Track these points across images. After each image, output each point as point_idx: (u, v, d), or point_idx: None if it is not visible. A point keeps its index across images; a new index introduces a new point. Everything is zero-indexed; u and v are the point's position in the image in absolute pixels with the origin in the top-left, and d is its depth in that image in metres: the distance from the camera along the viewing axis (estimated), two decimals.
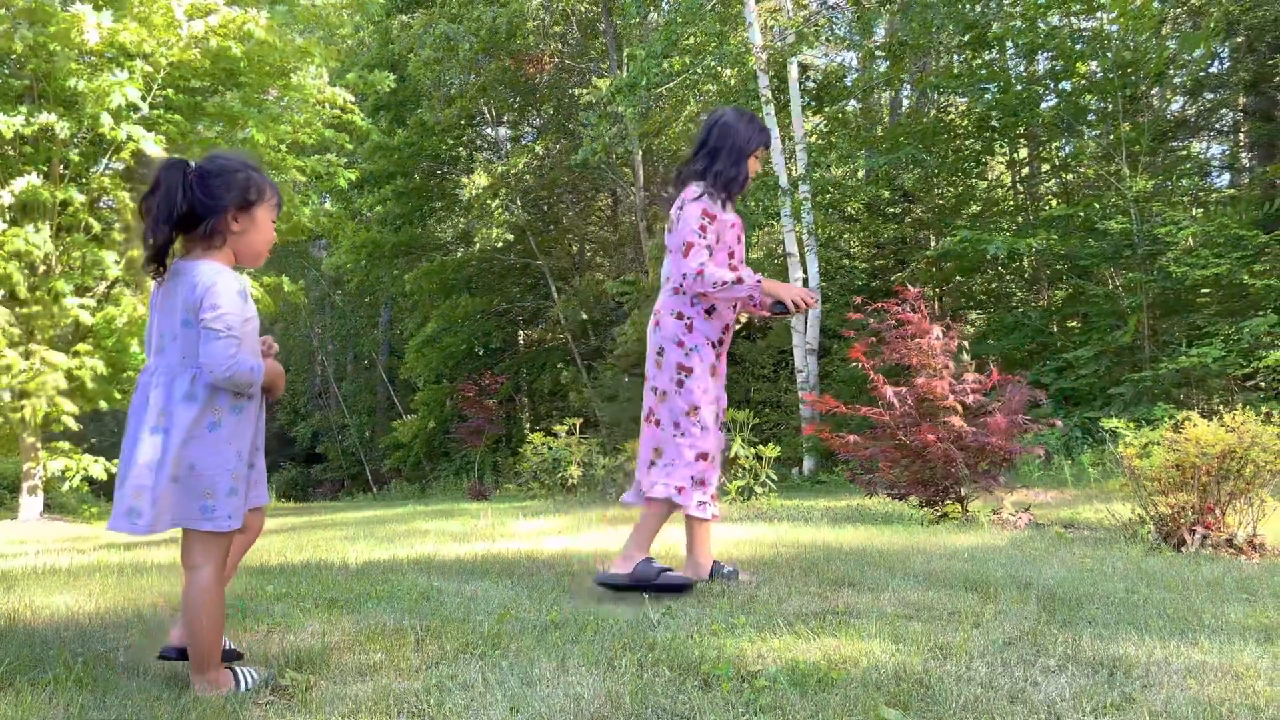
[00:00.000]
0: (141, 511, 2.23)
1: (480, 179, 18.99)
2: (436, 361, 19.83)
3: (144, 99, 9.92)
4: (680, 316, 3.62)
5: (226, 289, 2.25)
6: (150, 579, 4.30)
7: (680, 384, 3.60)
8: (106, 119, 9.29)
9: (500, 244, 19.25)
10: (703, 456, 3.60)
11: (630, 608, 3.25)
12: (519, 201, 19.08)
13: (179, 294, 2.28)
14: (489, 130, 21.24)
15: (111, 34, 9.39)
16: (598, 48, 18.94)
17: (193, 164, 2.32)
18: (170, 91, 10.50)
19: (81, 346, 10.29)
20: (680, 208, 3.59)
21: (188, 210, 2.28)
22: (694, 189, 3.60)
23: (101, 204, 11.07)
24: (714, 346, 3.69)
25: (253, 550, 5.60)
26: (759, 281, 3.49)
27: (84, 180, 10.54)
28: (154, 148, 9.32)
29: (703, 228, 3.52)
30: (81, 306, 10.02)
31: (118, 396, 11.01)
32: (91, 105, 9.18)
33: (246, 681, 2.40)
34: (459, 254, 20.14)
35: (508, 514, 7.86)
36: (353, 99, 11.97)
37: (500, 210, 18.75)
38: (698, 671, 2.41)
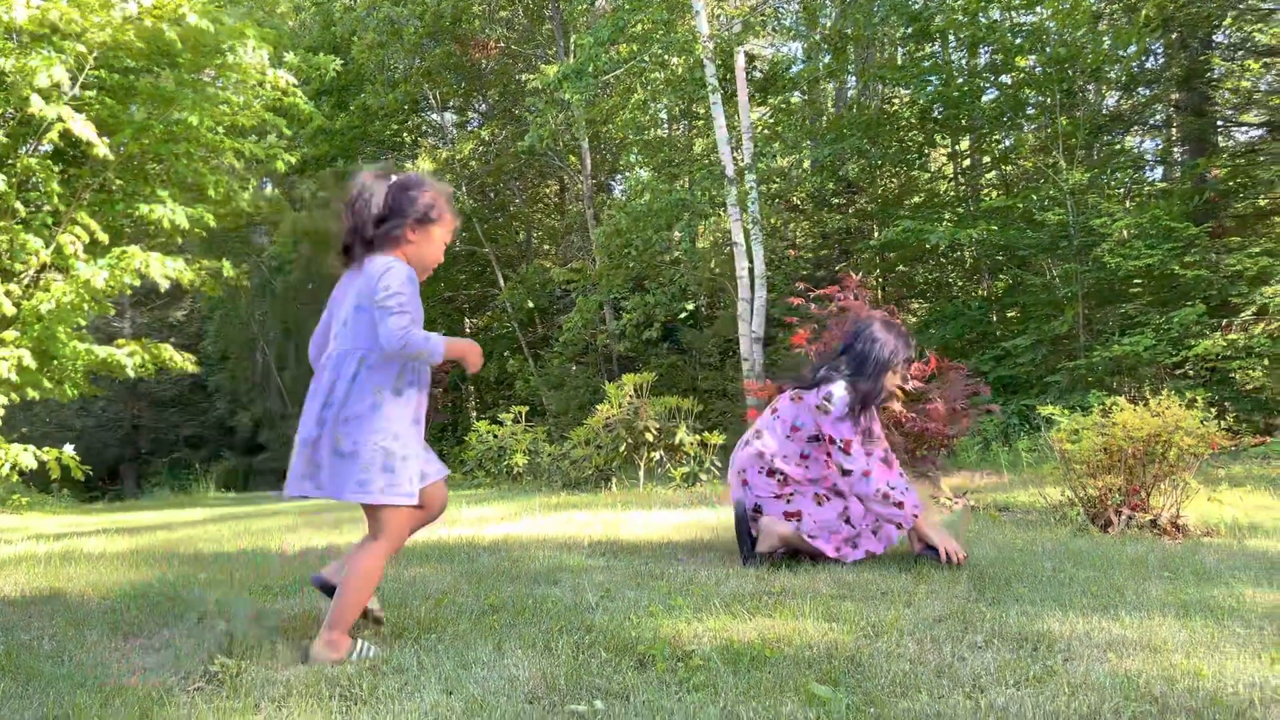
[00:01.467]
0: (320, 480, 2.45)
1: (425, 164, 18.76)
2: None
3: (75, 79, 9.62)
4: (772, 474, 3.74)
5: (399, 274, 2.49)
6: (78, 568, 4.21)
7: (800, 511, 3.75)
8: (37, 100, 9.00)
9: None
10: (845, 520, 3.74)
11: (569, 591, 3.26)
12: (464, 188, 18.90)
13: (355, 285, 2.54)
14: (434, 115, 20.99)
15: (41, 12, 9.08)
16: (544, 33, 18.81)
17: (394, 177, 2.61)
18: (103, 72, 10.20)
19: (7, 335, 9.98)
20: (828, 398, 3.63)
21: (379, 215, 2.56)
22: (835, 391, 3.65)
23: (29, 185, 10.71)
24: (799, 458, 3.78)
25: (186, 539, 5.52)
26: (916, 515, 3.58)
27: (10, 162, 10.20)
28: (84, 128, 9.02)
29: (852, 431, 3.64)
30: (7, 294, 9.72)
31: (48, 386, 10.68)
32: (22, 86, 8.88)
33: (361, 651, 2.48)
34: None
35: (452, 502, 7.80)
36: (295, 81, 11.71)
37: None
38: (634, 652, 2.43)
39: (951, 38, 14.14)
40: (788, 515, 3.68)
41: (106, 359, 10.00)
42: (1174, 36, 12.55)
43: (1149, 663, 2.23)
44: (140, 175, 10.96)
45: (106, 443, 25.92)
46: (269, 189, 21.51)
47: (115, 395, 25.56)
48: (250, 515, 7.96)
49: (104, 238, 10.13)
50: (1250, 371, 9.71)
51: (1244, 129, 14.12)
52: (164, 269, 9.67)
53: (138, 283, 9.70)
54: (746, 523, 3.74)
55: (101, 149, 9.11)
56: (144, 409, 26.76)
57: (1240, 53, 13.46)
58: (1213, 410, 4.53)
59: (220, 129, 11.06)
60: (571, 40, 17.03)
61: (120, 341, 10.31)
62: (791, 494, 3.70)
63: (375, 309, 2.44)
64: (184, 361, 10.63)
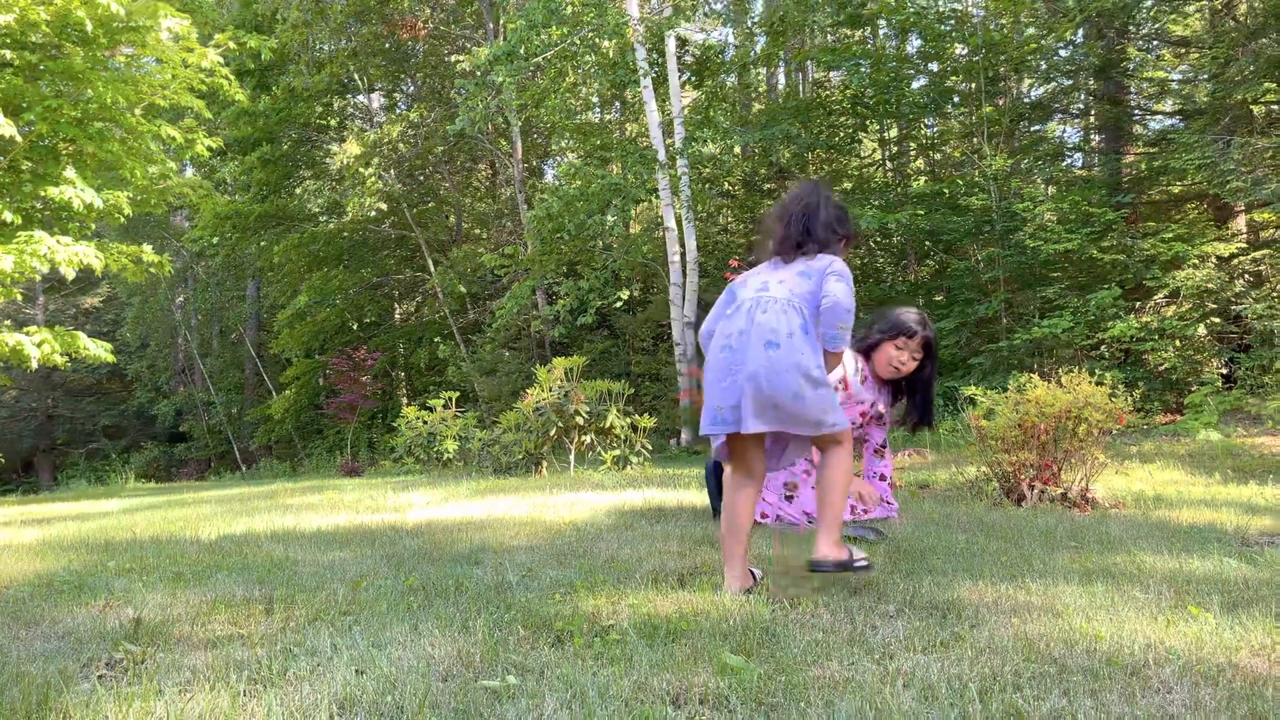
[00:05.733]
0: (774, 417, 2.76)
1: (352, 147, 18.41)
2: (308, 336, 19.20)
3: None
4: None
5: (845, 265, 2.89)
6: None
7: None
8: None
9: (373, 213, 18.74)
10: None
11: (491, 571, 3.24)
12: (393, 172, 18.59)
13: (794, 267, 2.88)
14: (361, 98, 20.60)
15: None
16: (472, 14, 18.57)
17: (828, 192, 3.01)
18: (8, 52, 9.76)
19: None
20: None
21: (827, 222, 2.93)
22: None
23: None
24: None
25: (99, 529, 5.35)
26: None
27: None
28: None
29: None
30: None
31: None
32: None
33: (854, 555, 2.75)
34: (330, 225, 19.50)
35: (378, 489, 7.71)
36: (221, 61, 11.29)
37: (374, 179, 18.23)
38: (551, 629, 2.42)
39: (882, 23, 14.31)
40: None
41: (15, 347, 9.62)
42: (1090, 27, 12.86)
43: (1051, 626, 2.30)
44: (51, 156, 10.53)
45: (20, 434, 25.04)
46: (189, 172, 20.90)
47: (28, 385, 24.68)
48: (170, 505, 7.75)
49: (17, 219, 9.73)
50: (1162, 353, 10.04)
51: (1158, 118, 14.57)
52: (71, 256, 9.26)
53: (46, 268, 9.33)
54: (711, 477, 3.96)
55: (8, 129, 8.71)
56: (59, 398, 25.90)
57: (1155, 43, 13.87)
58: (1121, 387, 4.68)
59: (138, 110, 10.68)
60: (501, 21, 16.83)
61: (30, 329, 9.91)
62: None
63: (829, 276, 2.80)
64: (99, 352, 10.25)
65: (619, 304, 14.71)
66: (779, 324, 2.73)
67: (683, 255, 13.33)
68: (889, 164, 17.37)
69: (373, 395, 16.58)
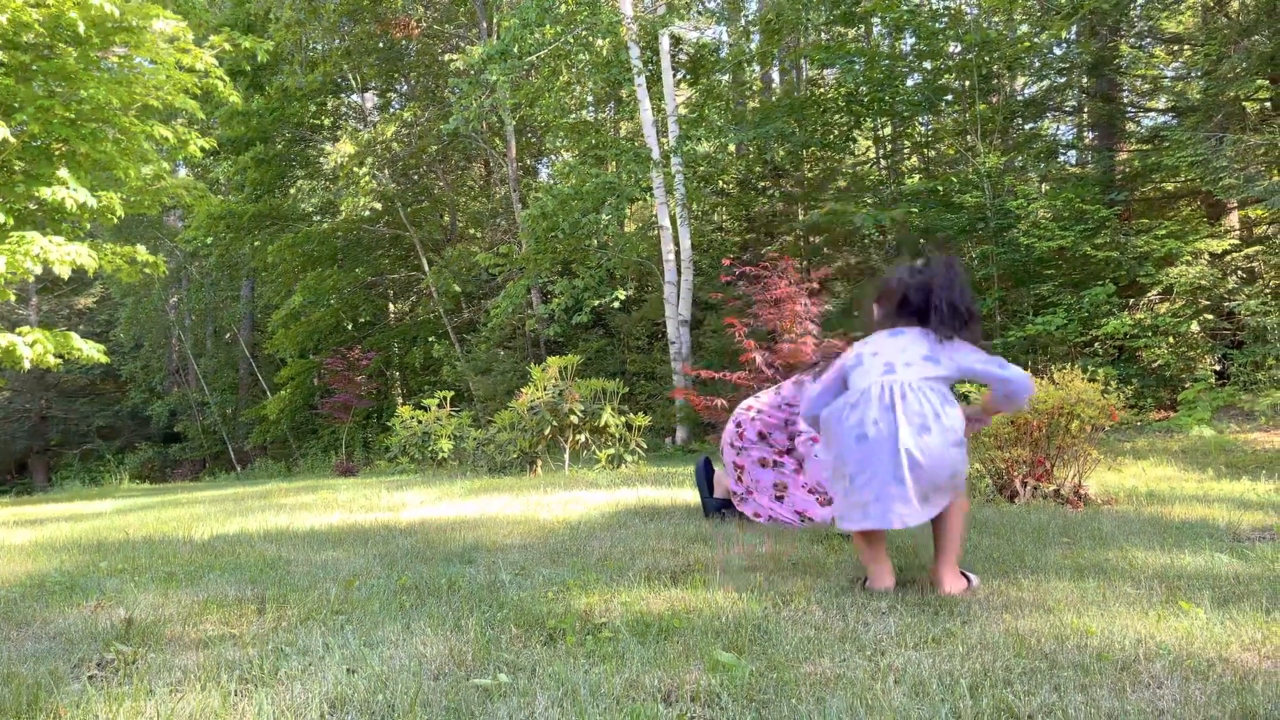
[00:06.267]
0: (934, 502, 2.77)
1: (346, 147, 18.37)
2: (302, 336, 19.17)
3: None
4: (739, 425, 4.25)
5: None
6: None
7: None
8: None
9: (367, 213, 18.71)
10: None
11: (484, 570, 3.23)
12: (387, 171, 18.56)
13: (919, 343, 2.83)
14: (355, 97, 20.56)
15: None
16: (466, 13, 18.54)
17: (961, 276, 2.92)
18: (2, 54, 9.72)
19: None
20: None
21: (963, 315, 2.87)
22: None
23: None
24: None
25: (91, 530, 5.35)
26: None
27: None
28: None
29: None
30: None
31: None
32: None
33: (972, 583, 2.77)
34: (324, 225, 19.46)
35: (373, 488, 7.70)
36: (215, 62, 11.25)
37: (368, 179, 18.19)
38: (544, 627, 2.42)
39: (876, 22, 14.32)
40: (735, 465, 4.04)
41: (8, 347, 9.59)
42: (1083, 24, 12.87)
43: (1042, 622, 2.31)
44: (44, 156, 10.50)
45: (13, 435, 24.98)
46: (183, 172, 20.88)
47: (22, 386, 24.62)
48: (164, 505, 7.74)
49: (10, 219, 9.70)
50: (1155, 349, 10.06)
51: (1151, 115, 14.58)
52: (65, 256, 9.22)
53: (39, 269, 9.30)
54: (702, 476, 4.02)
55: (0, 130, 8.69)
56: (53, 399, 25.83)
57: (1148, 40, 13.88)
58: (1115, 384, 4.69)
59: (131, 111, 10.64)
60: (494, 19, 16.81)
61: (23, 330, 9.88)
62: (742, 449, 4.01)
63: (992, 366, 2.81)
64: (93, 352, 10.21)
65: (614, 303, 14.71)
66: (924, 408, 2.71)
67: (677, 254, 13.32)
68: (883, 162, 17.38)
69: (367, 395, 16.57)
